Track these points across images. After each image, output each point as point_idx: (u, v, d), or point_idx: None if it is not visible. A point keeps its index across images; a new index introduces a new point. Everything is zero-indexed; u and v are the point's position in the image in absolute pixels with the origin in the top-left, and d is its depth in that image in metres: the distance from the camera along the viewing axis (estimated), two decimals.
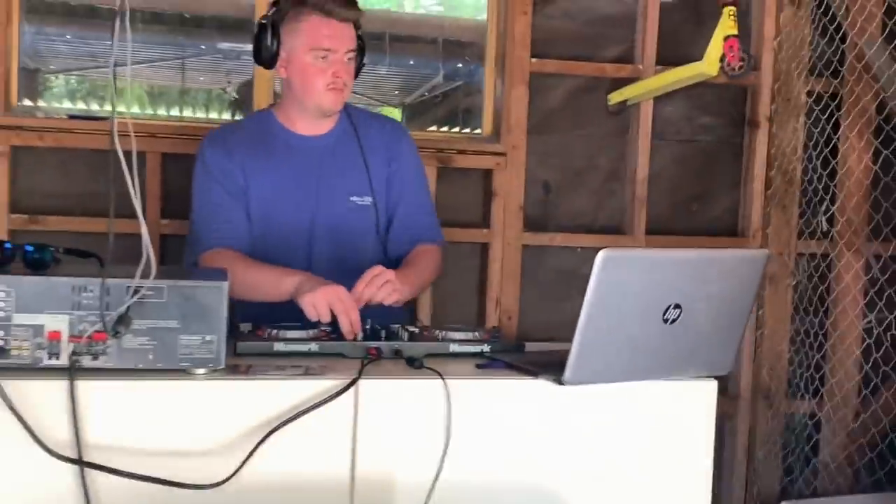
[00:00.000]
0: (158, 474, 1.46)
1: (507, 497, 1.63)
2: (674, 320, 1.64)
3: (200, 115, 5.00)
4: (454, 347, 1.81)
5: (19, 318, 1.49)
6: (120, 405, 1.50)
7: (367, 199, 2.30)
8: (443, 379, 1.60)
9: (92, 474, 1.46)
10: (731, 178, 3.81)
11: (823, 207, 3.62)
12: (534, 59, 3.56)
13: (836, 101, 3.58)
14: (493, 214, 3.53)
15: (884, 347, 3.37)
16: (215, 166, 2.30)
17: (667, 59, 3.57)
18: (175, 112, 5.10)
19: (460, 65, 4.42)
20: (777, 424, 3.71)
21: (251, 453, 1.50)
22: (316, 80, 2.21)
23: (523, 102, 3.56)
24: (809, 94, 3.64)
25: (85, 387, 1.48)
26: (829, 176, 3.60)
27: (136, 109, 5.01)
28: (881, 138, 3.46)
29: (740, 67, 3.12)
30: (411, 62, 4.60)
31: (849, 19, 3.44)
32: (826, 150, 3.60)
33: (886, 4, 3.39)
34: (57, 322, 1.50)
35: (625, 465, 1.69)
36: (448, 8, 4.41)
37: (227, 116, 4.89)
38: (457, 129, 4.51)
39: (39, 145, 3.24)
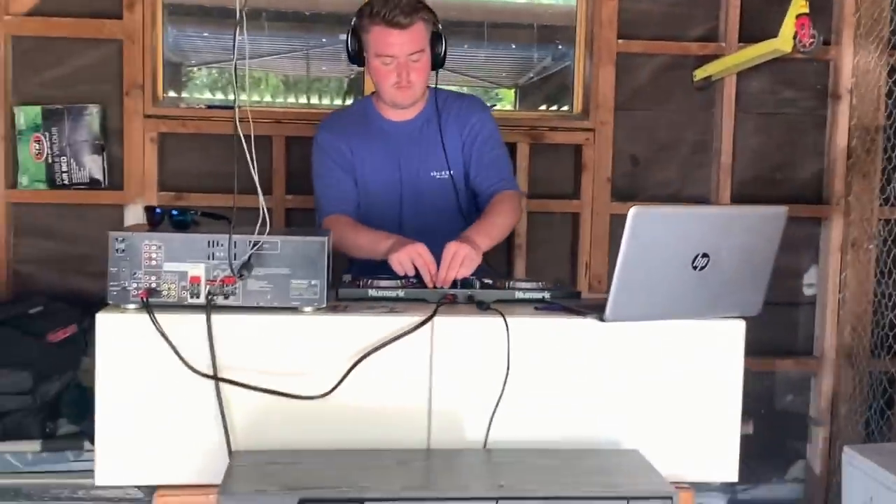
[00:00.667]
0: (273, 388, 1.84)
1: (556, 420, 1.94)
2: (702, 267, 1.91)
3: (326, 102, 5.42)
4: (519, 294, 2.13)
5: (168, 266, 1.89)
6: (245, 335, 1.88)
7: (445, 174, 2.63)
8: (504, 317, 1.92)
9: (224, 388, 1.85)
10: (815, 148, 3.98)
11: None
12: (620, 41, 3.81)
13: None
14: (582, 186, 3.82)
15: None
16: (329, 146, 2.68)
17: (748, 37, 3.75)
18: (304, 100, 5.54)
19: (560, 47, 4.68)
20: (859, 383, 3.88)
21: (347, 373, 1.86)
22: (384, 81, 2.56)
23: (610, 81, 3.82)
24: (889, 67, 3.78)
25: (218, 319, 1.86)
26: None
27: (268, 98, 5.50)
28: None
29: (811, 44, 3.30)
30: (513, 46, 4.90)
31: None
32: None
33: None
34: (197, 269, 1.89)
35: (660, 393, 1.97)
36: None
37: (350, 101, 5.29)
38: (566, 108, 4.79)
39: (182, 132, 3.71)
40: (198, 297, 1.88)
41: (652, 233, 1.85)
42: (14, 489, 3.16)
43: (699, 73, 3.86)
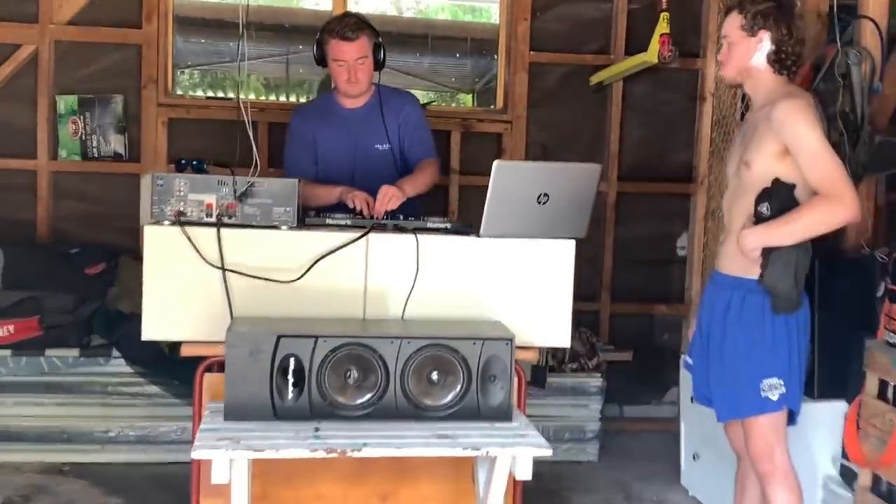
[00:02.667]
0: (261, 276, 2.76)
1: (448, 298, 2.86)
2: (544, 203, 2.84)
3: (303, 99, 6.33)
4: (429, 224, 3.05)
5: (191, 196, 2.79)
6: (242, 243, 2.78)
7: (386, 146, 3.56)
8: (416, 235, 2.84)
9: (228, 275, 2.75)
10: (685, 139, 4.96)
11: None
12: (532, 52, 4.78)
13: None
14: None
15: None
16: (296, 129, 3.60)
17: (632, 51, 4.72)
18: (283, 98, 6.47)
19: (494, 57, 5.64)
20: None
21: (309, 268, 2.76)
22: (339, 78, 3.48)
23: (524, 84, 4.78)
24: None
25: (224, 232, 2.76)
26: None
27: (252, 97, 6.43)
28: None
29: (669, 56, 4.26)
30: (457, 55, 5.88)
31: None
32: None
33: None
34: (210, 198, 2.79)
35: (516, 286, 2.89)
36: (475, 15, 5.66)
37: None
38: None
39: (187, 117, 4.63)
40: (211, 217, 2.79)
41: (510, 178, 2.80)
42: (58, 384, 4.05)
43: (594, 79, 4.83)
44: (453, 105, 7.04)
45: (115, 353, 4.06)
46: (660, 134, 4.94)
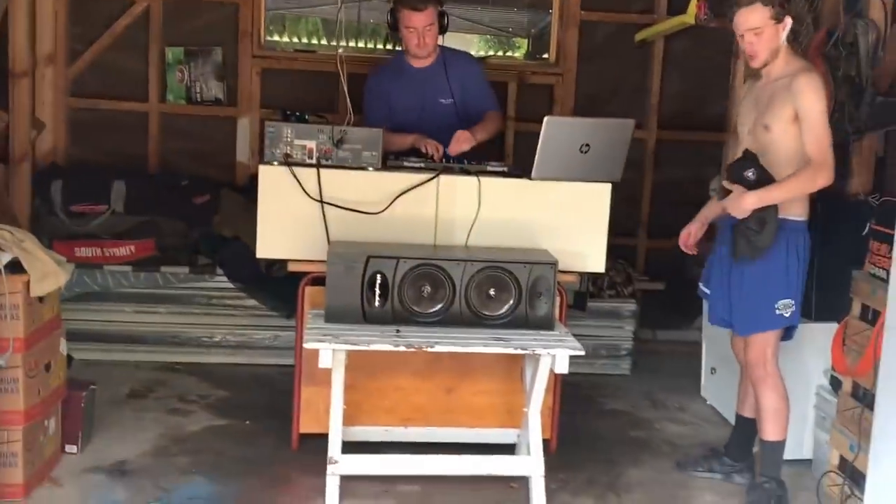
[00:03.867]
0: (352, 207, 3.34)
1: (503, 229, 3.42)
2: (586, 152, 3.38)
3: (370, 45, 6.87)
4: (489, 168, 3.60)
5: (296, 142, 3.37)
6: (337, 181, 3.36)
7: (449, 100, 4.10)
8: (477, 176, 3.41)
9: (325, 207, 3.34)
10: (721, 91, 5.38)
11: None
12: (583, 11, 5.24)
13: None
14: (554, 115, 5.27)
15: None
16: (373, 86, 4.15)
17: (674, 11, 5.15)
18: (352, 44, 7.00)
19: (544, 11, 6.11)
20: None
21: (392, 201, 3.35)
22: (409, 42, 4.01)
23: (574, 40, 5.26)
24: None
25: (323, 172, 3.35)
26: None
27: (323, 41, 7.00)
28: None
29: (705, 18, 4.70)
30: (514, 9, 6.37)
31: None
32: None
33: None
34: (310, 143, 3.38)
35: (562, 220, 3.45)
36: None
37: (385, 45, 6.77)
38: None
39: (277, 67, 5.20)
40: (311, 158, 3.37)
41: (557, 131, 3.34)
42: (170, 296, 4.70)
43: (638, 36, 5.29)
44: (510, 54, 7.57)
45: (219, 271, 4.69)
46: (696, 87, 5.39)
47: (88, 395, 3.51)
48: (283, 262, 3.50)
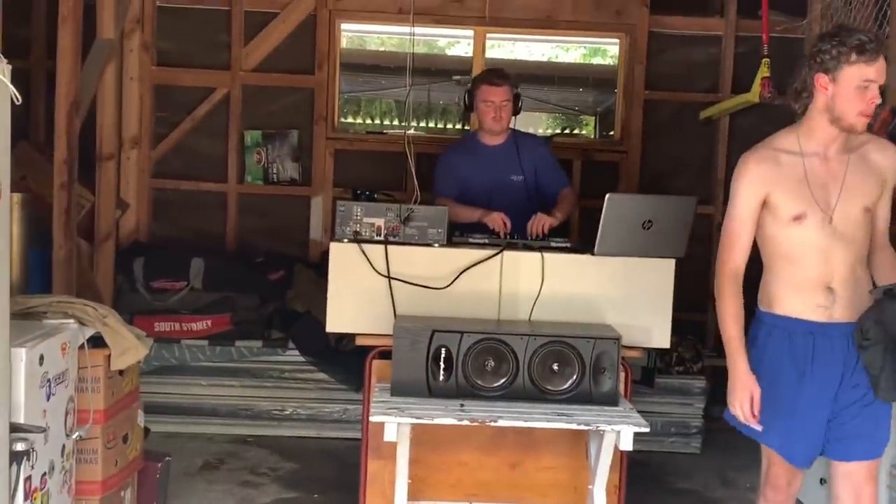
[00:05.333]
0: (418, 283, 3.40)
1: (567, 304, 3.44)
2: (648, 228, 3.40)
3: (440, 125, 7.08)
4: (552, 244, 3.64)
5: (365, 220, 3.47)
6: (404, 257, 3.43)
7: (520, 178, 4.18)
8: (541, 252, 3.45)
9: (393, 283, 3.41)
10: None
11: None
12: (647, 91, 5.31)
13: None
14: (619, 192, 5.30)
15: None
16: (446, 161, 4.25)
17: (738, 89, 5.19)
18: (423, 123, 7.23)
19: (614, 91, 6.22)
20: None
21: (457, 276, 3.40)
22: (486, 116, 4.12)
23: (639, 119, 5.32)
24: None
25: (390, 248, 3.42)
26: None
27: (395, 122, 7.22)
28: None
29: (770, 97, 4.72)
30: (580, 90, 6.49)
31: None
32: None
33: None
34: (379, 221, 3.46)
35: (626, 295, 3.46)
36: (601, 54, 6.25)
37: (455, 125, 6.96)
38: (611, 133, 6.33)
39: (349, 149, 5.36)
40: (379, 235, 3.46)
41: (620, 207, 3.37)
42: (244, 369, 4.81)
43: (703, 114, 5.32)
44: (576, 131, 7.68)
45: (291, 345, 4.79)
46: None
47: (164, 467, 3.59)
48: (352, 337, 3.57)
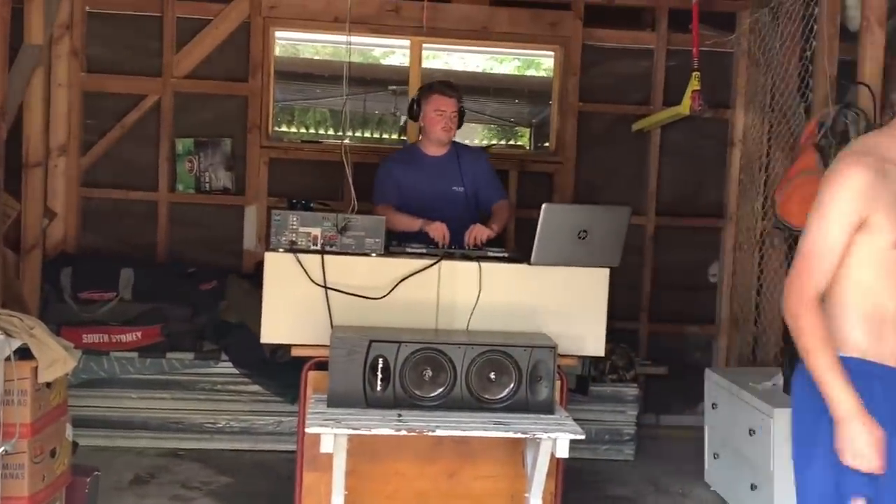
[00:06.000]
0: (355, 293, 3.39)
1: (504, 313, 3.46)
2: (584, 238, 3.44)
3: (376, 135, 7.07)
4: (490, 253, 3.66)
5: (301, 229, 3.44)
6: (341, 267, 3.42)
7: (461, 189, 4.21)
8: (478, 261, 3.46)
9: (329, 293, 3.39)
10: (716, 180, 5.50)
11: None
12: (581, 103, 5.38)
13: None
14: (554, 202, 5.35)
15: None
16: (386, 170, 4.25)
17: (669, 102, 5.29)
18: (359, 133, 7.21)
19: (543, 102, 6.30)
20: (742, 341, 5.35)
21: (394, 287, 3.40)
22: (436, 125, 4.16)
23: (574, 130, 5.38)
24: (767, 124, 5.26)
25: (327, 258, 3.41)
26: None
27: (330, 131, 7.20)
28: None
29: (700, 110, 4.82)
30: (516, 101, 6.55)
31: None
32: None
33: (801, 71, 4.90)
34: (315, 230, 3.44)
35: (560, 304, 3.49)
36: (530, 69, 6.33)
37: (391, 135, 6.95)
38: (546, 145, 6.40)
39: (284, 157, 5.32)
40: (316, 245, 3.44)
41: (556, 217, 3.41)
42: (175, 382, 4.72)
43: (635, 126, 5.41)
44: (511, 142, 7.75)
45: (224, 356, 4.72)
46: (693, 175, 5.50)
47: (93, 482, 3.50)
48: (288, 348, 3.54)
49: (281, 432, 4.68)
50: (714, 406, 4.41)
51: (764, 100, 5.18)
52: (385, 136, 7.36)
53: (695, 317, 5.58)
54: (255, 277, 5.00)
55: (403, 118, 6.60)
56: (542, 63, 6.57)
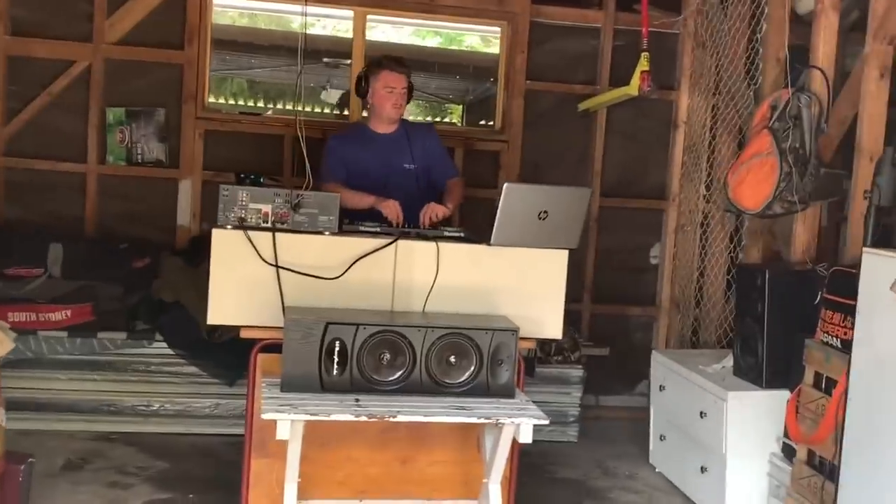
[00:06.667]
0: (308, 272, 3.26)
1: (461, 295, 3.38)
2: (544, 219, 3.37)
3: (316, 109, 6.84)
4: (446, 233, 3.57)
5: (251, 206, 3.29)
6: (293, 245, 3.28)
7: (412, 166, 4.11)
8: (436, 241, 3.36)
9: (281, 272, 3.25)
10: (660, 161, 5.50)
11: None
12: (528, 81, 5.31)
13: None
14: (500, 180, 5.28)
15: None
16: (334, 149, 4.12)
17: (616, 83, 5.25)
18: (289, 107, 6.97)
19: (492, 81, 6.21)
20: (682, 323, 5.38)
21: (349, 267, 3.28)
22: (386, 102, 4.04)
23: (520, 109, 5.31)
24: (710, 106, 5.28)
25: (278, 236, 3.27)
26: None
27: (260, 103, 6.97)
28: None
29: (649, 90, 4.80)
30: (457, 78, 6.43)
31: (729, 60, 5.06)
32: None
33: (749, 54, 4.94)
34: (266, 207, 3.29)
35: (519, 286, 3.42)
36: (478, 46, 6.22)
37: (323, 110, 6.72)
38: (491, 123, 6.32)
39: (220, 129, 5.12)
40: (266, 222, 3.29)
41: (517, 198, 3.32)
42: (107, 363, 4.52)
43: (581, 106, 5.36)
44: (446, 120, 7.63)
45: (158, 336, 4.53)
46: (638, 156, 5.49)
47: (27, 469, 3.30)
48: (227, 328, 3.38)
49: (219, 415, 4.53)
50: (662, 388, 4.41)
51: (709, 82, 5.19)
52: (318, 109, 7.16)
53: (637, 298, 5.59)
54: (189, 254, 4.83)
55: (337, 93, 6.46)
56: (463, 39, 6.46)
